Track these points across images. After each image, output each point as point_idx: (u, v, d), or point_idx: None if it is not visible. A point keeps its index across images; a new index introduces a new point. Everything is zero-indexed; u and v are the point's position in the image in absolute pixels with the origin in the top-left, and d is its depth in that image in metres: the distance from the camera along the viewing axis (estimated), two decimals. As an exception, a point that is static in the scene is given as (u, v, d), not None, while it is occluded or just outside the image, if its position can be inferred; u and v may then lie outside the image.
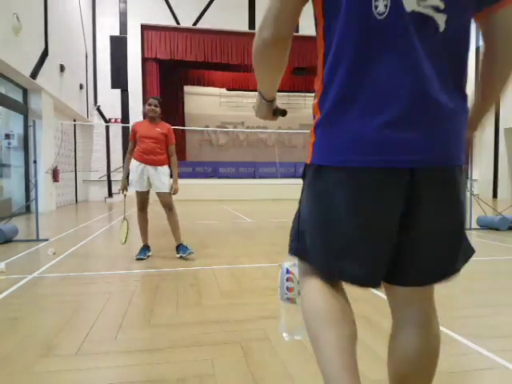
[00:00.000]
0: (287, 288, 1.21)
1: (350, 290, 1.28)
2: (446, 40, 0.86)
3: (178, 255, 3.99)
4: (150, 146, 3.91)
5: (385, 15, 0.81)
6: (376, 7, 0.81)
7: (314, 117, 0.94)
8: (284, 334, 1.28)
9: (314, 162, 0.93)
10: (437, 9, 0.82)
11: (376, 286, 1.03)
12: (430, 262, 0.98)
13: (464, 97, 1.01)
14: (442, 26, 0.84)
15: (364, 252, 0.94)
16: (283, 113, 1.19)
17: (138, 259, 3.88)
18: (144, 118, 4.07)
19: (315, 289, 1.02)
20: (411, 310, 1.05)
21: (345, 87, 0.85)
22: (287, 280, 1.21)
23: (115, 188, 14.49)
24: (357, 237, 0.91)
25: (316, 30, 0.93)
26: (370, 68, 0.83)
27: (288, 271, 1.21)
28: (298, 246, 1.04)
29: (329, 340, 0.96)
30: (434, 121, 0.86)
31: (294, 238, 1.07)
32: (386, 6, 0.81)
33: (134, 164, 3.96)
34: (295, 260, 1.15)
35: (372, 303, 2.54)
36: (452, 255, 0.99)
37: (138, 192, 4.07)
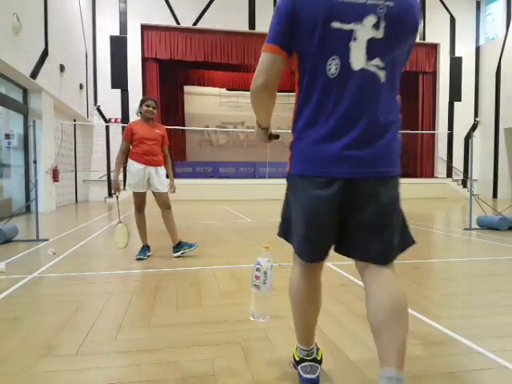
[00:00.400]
0: (255, 276, 1.48)
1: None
2: (384, 87, 1.25)
3: (178, 254, 3.99)
4: (151, 147, 3.94)
5: (335, 75, 1.23)
6: (329, 69, 1.23)
7: (292, 135, 1.37)
8: (251, 318, 1.62)
9: (291, 171, 1.38)
10: (379, 67, 1.23)
11: (320, 261, 1.47)
12: (367, 247, 1.30)
13: (393, 133, 1.29)
14: (382, 79, 1.24)
15: (313, 236, 1.35)
16: (277, 137, 1.58)
17: (138, 259, 3.88)
18: (140, 118, 4.06)
19: (295, 275, 1.46)
20: (369, 277, 1.33)
21: (305, 124, 1.29)
22: (256, 270, 1.49)
23: (115, 188, 14.49)
24: (307, 226, 1.32)
25: (294, 77, 1.35)
26: (324, 109, 1.25)
27: (258, 263, 1.49)
28: (283, 229, 1.48)
29: (297, 312, 1.49)
30: (372, 149, 1.26)
31: (280, 224, 1.49)
32: (336, 68, 1.22)
33: (133, 166, 3.92)
34: (269, 257, 1.52)
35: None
36: (385, 244, 1.31)
37: (136, 193, 4.02)
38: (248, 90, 18.85)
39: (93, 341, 1.96)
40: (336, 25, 1.21)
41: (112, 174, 3.92)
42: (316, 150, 1.27)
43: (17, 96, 8.87)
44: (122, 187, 4.15)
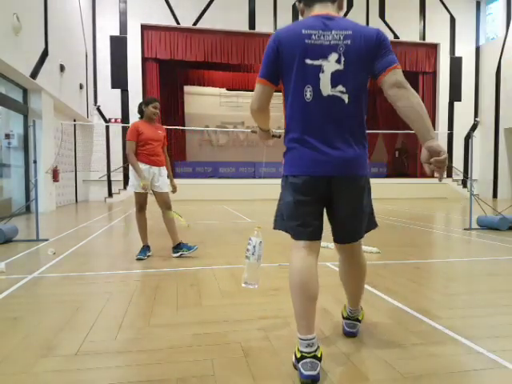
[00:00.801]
0: (247, 249, 1.89)
1: None
2: (345, 106, 1.63)
3: (177, 254, 4.00)
4: (156, 148, 3.96)
5: (310, 99, 1.62)
6: (305, 95, 1.63)
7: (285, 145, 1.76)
8: (243, 284, 1.93)
9: (284, 172, 1.75)
10: (342, 92, 1.61)
11: (313, 239, 1.75)
12: (345, 231, 1.82)
13: (358, 141, 1.68)
14: (346, 101, 1.62)
15: (303, 221, 1.71)
16: (279, 136, 2.00)
17: (138, 259, 3.88)
18: (141, 118, 4.03)
19: (296, 261, 1.70)
20: (345, 252, 1.91)
21: (295, 138, 1.69)
22: (248, 245, 1.89)
23: (115, 188, 14.49)
24: (299, 214, 1.71)
25: (282, 98, 1.75)
26: (308, 123, 1.64)
27: (250, 239, 1.91)
28: (278, 222, 1.85)
29: (298, 298, 1.66)
30: (343, 153, 1.65)
31: (275, 218, 1.87)
32: (310, 94, 1.62)
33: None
34: (259, 236, 1.91)
35: (372, 304, 2.54)
36: (357, 228, 1.79)
37: (138, 193, 4.00)
38: (248, 90, 19.04)
39: (93, 341, 1.96)
40: (308, 61, 1.62)
41: (136, 175, 3.88)
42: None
43: (17, 96, 8.87)
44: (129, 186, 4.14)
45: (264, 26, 15.03)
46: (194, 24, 14.58)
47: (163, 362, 1.74)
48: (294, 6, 15.21)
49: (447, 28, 16.58)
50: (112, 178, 14.51)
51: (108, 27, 14.26)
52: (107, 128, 14.30)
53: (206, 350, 1.85)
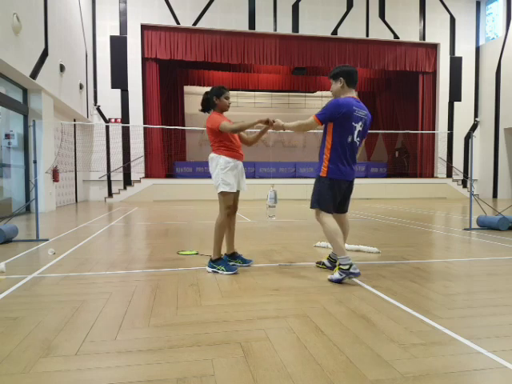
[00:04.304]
0: (269, 198, 4.53)
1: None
2: (357, 146, 3.27)
3: (233, 263, 3.64)
4: (238, 141, 3.59)
5: (349, 141, 3.17)
6: (348, 139, 3.16)
7: (327, 160, 3.21)
8: (268, 218, 5.23)
9: (328, 176, 3.18)
10: (358, 141, 3.24)
11: (334, 212, 3.30)
12: (347, 206, 3.45)
13: (356, 161, 3.31)
14: (358, 144, 3.25)
15: (336, 203, 3.29)
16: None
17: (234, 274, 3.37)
18: (211, 110, 3.58)
19: (328, 218, 3.17)
20: (342, 219, 3.40)
21: (337, 159, 3.17)
22: (269, 196, 4.56)
23: (115, 188, 14.50)
24: (337, 199, 3.28)
25: (326, 132, 3.21)
26: (345, 154, 3.18)
27: (270, 192, 4.56)
28: (316, 204, 3.23)
29: (334, 234, 3.12)
30: (353, 168, 3.29)
31: (317, 201, 3.22)
32: (351, 140, 3.17)
33: (228, 162, 3.42)
34: (274, 189, 4.69)
35: (372, 304, 2.54)
36: (347, 204, 3.46)
37: (231, 193, 3.47)
38: (248, 90, 19.04)
39: (93, 341, 1.96)
40: (353, 123, 3.12)
41: (243, 126, 3.37)
42: (344, 169, 3.21)
43: (17, 96, 8.87)
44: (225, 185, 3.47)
45: (264, 26, 15.03)
46: (194, 24, 14.58)
47: (163, 362, 1.74)
48: (294, 6, 15.21)
49: (447, 28, 16.57)
50: (112, 178, 14.51)
51: (108, 27, 14.26)
52: (107, 128, 14.30)
53: (205, 350, 1.85)
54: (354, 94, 3.21)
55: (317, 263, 3.58)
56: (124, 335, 2.03)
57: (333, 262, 3.39)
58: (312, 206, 3.27)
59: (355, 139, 3.16)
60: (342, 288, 2.89)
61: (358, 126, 3.14)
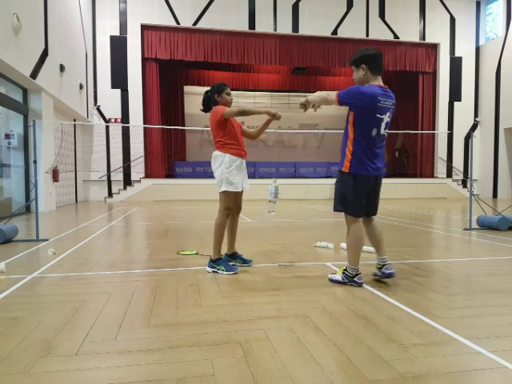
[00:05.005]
0: (270, 193, 3.55)
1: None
2: (385, 139, 2.93)
3: (234, 263, 3.62)
4: (243, 139, 3.53)
5: (374, 135, 2.81)
6: (372, 133, 2.80)
7: (350, 153, 2.86)
8: (267, 212, 3.50)
9: (351, 171, 2.84)
10: (386, 133, 2.88)
11: (362, 216, 2.95)
12: (374, 207, 3.05)
13: (384, 156, 3.01)
14: (386, 136, 2.91)
15: (363, 204, 2.91)
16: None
17: (234, 273, 3.35)
18: (212, 107, 3.52)
19: (355, 225, 2.89)
20: (369, 222, 3.04)
21: (361, 152, 2.82)
22: (269, 190, 3.55)
23: (115, 188, 14.50)
24: (363, 198, 2.90)
25: (348, 122, 2.86)
26: (370, 148, 2.83)
27: (271, 186, 3.57)
28: (339, 206, 2.94)
29: (357, 245, 2.92)
30: (381, 164, 2.94)
31: (341, 203, 2.92)
32: (376, 133, 2.81)
33: (233, 161, 3.39)
34: (275, 184, 3.58)
35: (372, 304, 2.54)
36: (377, 206, 3.06)
37: (233, 193, 3.44)
38: (248, 90, 19.04)
39: (93, 341, 1.96)
40: (378, 115, 2.77)
41: (248, 111, 3.33)
42: (370, 165, 2.87)
43: (17, 96, 8.87)
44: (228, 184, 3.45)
45: (264, 26, 15.03)
46: (194, 24, 14.58)
47: (163, 361, 1.74)
48: (294, 6, 15.21)
49: (447, 28, 16.57)
50: (112, 178, 14.51)
51: (108, 27, 14.26)
52: (107, 128, 14.30)
53: (205, 350, 1.85)
54: (379, 81, 2.83)
55: (373, 274, 3.10)
56: (124, 335, 2.03)
57: (380, 269, 3.00)
58: (335, 209, 2.95)
59: (382, 132, 2.81)
60: (342, 288, 2.89)
61: (386, 118, 2.79)
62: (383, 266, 2.95)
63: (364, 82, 2.84)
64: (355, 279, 2.90)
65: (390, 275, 2.93)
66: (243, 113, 3.33)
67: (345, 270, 2.97)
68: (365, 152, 2.79)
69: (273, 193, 3.54)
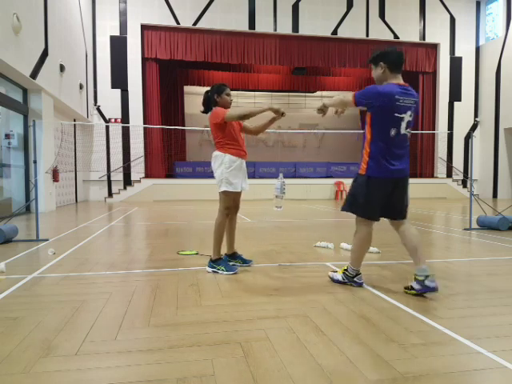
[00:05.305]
0: (276, 189, 3.62)
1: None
2: (407, 139, 2.77)
3: (234, 263, 3.62)
4: (243, 139, 3.50)
5: (393, 135, 2.68)
6: (391, 133, 2.67)
7: (367, 155, 2.75)
8: (274, 208, 3.62)
9: (367, 173, 2.73)
10: (408, 132, 2.74)
11: (377, 220, 2.85)
12: (399, 210, 2.81)
13: (408, 155, 2.85)
14: (408, 136, 2.75)
15: (378, 206, 2.77)
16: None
17: (234, 273, 3.34)
18: (212, 107, 3.49)
19: (363, 227, 2.82)
20: (401, 227, 2.81)
21: (378, 154, 2.70)
22: (276, 186, 3.63)
23: (115, 188, 14.50)
24: (376, 201, 2.76)
25: (365, 125, 2.77)
26: (389, 149, 2.70)
27: (277, 181, 3.64)
28: (351, 207, 2.83)
29: (361, 248, 2.88)
30: (403, 165, 2.78)
31: (349, 204, 2.83)
32: (395, 133, 2.68)
33: (233, 161, 3.39)
34: (282, 178, 3.67)
35: (372, 304, 2.54)
36: (403, 208, 2.82)
37: (233, 193, 3.46)
38: (248, 90, 19.05)
39: (93, 341, 1.96)
40: (396, 114, 2.65)
41: (252, 111, 3.25)
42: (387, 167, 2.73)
43: (17, 96, 8.87)
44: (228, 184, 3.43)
45: (264, 26, 15.03)
46: (194, 24, 14.58)
47: (163, 361, 1.74)
48: (294, 6, 15.21)
49: (447, 28, 16.57)
50: (112, 178, 14.51)
51: (108, 27, 14.27)
52: (107, 128, 14.30)
53: (205, 350, 1.85)
54: (399, 79, 2.73)
55: (405, 288, 2.80)
56: (124, 335, 2.03)
57: (421, 282, 2.64)
58: (342, 209, 2.88)
59: (404, 131, 2.68)
60: (342, 288, 2.89)
61: (407, 117, 2.66)
62: (426, 277, 2.59)
63: (382, 80, 2.76)
64: (355, 279, 2.90)
65: (433, 289, 2.59)
66: (244, 117, 3.31)
67: (345, 269, 2.96)
68: (383, 154, 2.67)
69: (279, 188, 3.60)
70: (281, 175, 3.67)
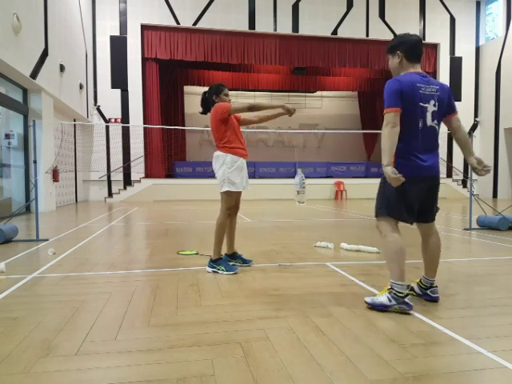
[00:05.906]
0: (295, 184, 3.83)
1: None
2: (436, 132, 2.56)
3: (234, 263, 3.62)
4: (243, 139, 3.51)
5: (421, 127, 2.46)
6: (419, 125, 2.45)
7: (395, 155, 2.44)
8: (297, 204, 3.88)
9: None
10: (436, 124, 2.53)
11: (412, 223, 2.59)
12: (430, 213, 2.71)
13: (438, 152, 2.71)
14: (437, 129, 2.55)
15: (412, 208, 2.52)
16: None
17: (234, 274, 3.34)
18: (210, 108, 3.50)
19: (392, 233, 2.48)
20: (428, 231, 2.72)
21: (407, 151, 2.47)
22: (295, 181, 3.84)
23: (115, 188, 14.50)
24: (410, 203, 2.50)
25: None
26: (418, 144, 2.48)
27: (297, 176, 3.81)
28: (381, 210, 2.55)
29: (399, 255, 2.44)
30: (433, 161, 2.64)
31: (378, 207, 2.57)
32: (422, 124, 2.46)
33: (235, 161, 3.38)
34: (302, 173, 3.83)
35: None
36: (433, 211, 2.74)
37: (235, 193, 3.46)
38: (248, 90, 19.04)
39: (93, 341, 1.96)
40: (421, 104, 2.45)
41: (258, 105, 3.25)
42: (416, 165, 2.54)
43: (17, 96, 8.87)
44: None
45: (264, 26, 15.03)
46: (194, 24, 14.58)
47: (163, 361, 1.74)
48: (294, 6, 15.21)
49: (447, 28, 16.57)
50: (112, 178, 14.51)
51: (108, 27, 14.26)
52: (107, 128, 14.30)
53: (205, 350, 1.85)
54: (417, 68, 2.53)
55: (410, 289, 2.72)
56: (124, 335, 2.03)
57: (423, 289, 2.67)
58: (377, 215, 2.56)
59: (430, 123, 2.47)
60: (343, 288, 2.89)
61: (431, 106, 2.46)
62: (430, 287, 2.64)
63: (400, 70, 2.56)
64: (406, 300, 2.36)
65: (433, 299, 2.62)
66: (253, 108, 3.26)
67: (390, 288, 2.43)
68: (411, 150, 2.45)
69: (298, 184, 3.68)
70: (299, 170, 3.78)
